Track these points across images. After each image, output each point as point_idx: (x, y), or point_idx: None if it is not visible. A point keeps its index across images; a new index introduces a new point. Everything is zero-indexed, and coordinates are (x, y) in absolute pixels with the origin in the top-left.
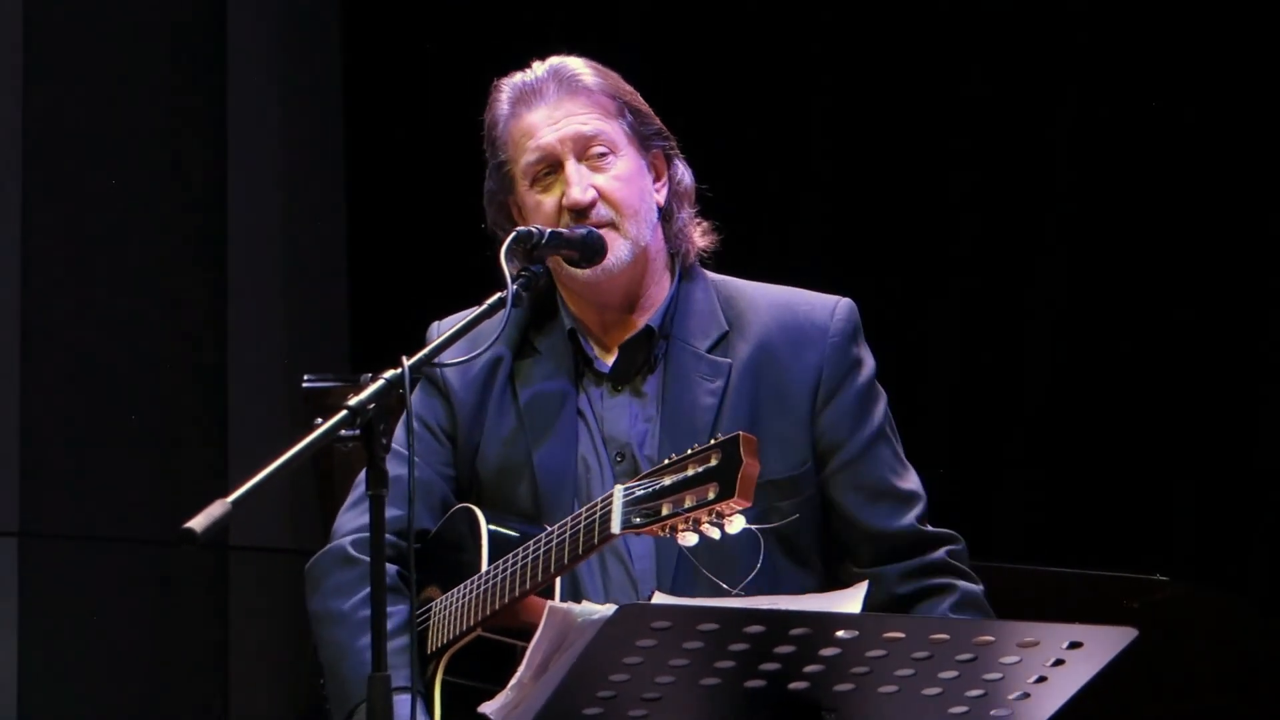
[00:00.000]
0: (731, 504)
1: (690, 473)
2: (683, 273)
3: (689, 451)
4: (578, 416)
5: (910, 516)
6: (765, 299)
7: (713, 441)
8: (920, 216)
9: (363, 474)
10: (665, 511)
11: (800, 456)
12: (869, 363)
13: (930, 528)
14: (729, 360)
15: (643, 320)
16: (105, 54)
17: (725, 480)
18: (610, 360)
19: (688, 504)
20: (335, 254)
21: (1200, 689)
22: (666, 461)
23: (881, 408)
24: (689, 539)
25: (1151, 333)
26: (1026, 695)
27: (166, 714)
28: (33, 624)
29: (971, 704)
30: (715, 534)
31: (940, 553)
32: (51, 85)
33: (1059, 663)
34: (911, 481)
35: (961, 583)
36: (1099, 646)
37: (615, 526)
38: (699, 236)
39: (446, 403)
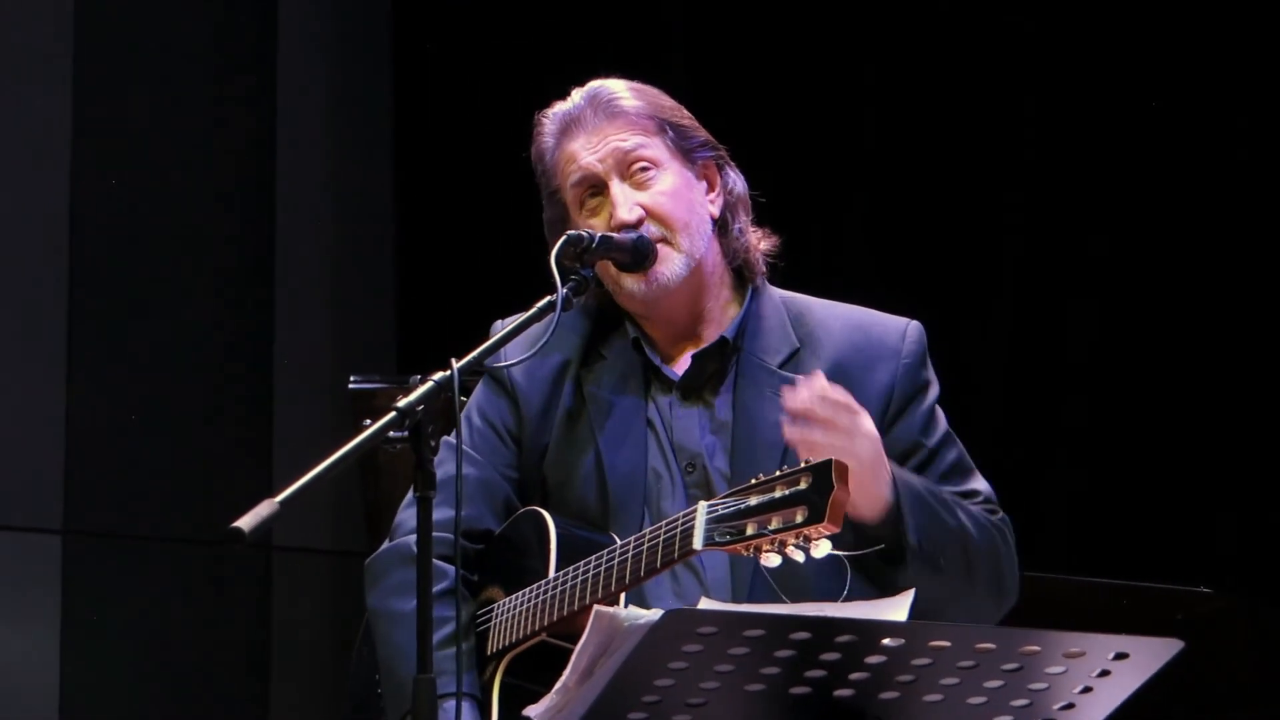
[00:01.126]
0: (820, 529)
1: (778, 494)
2: (752, 288)
3: (777, 473)
4: (647, 425)
5: (978, 497)
6: (836, 318)
7: (803, 464)
8: (963, 229)
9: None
10: (750, 531)
11: None
12: (936, 386)
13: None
14: (801, 377)
15: (708, 333)
16: (154, 56)
17: (815, 505)
18: (678, 369)
19: (774, 525)
20: (383, 255)
21: (1244, 703)
22: (753, 481)
23: (944, 425)
24: (772, 560)
25: (1195, 342)
26: (1071, 706)
27: (207, 714)
28: (75, 622)
29: (1016, 713)
30: (800, 557)
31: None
32: (99, 89)
33: (1105, 673)
34: (979, 481)
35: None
36: (1145, 658)
37: (697, 542)
38: (759, 243)
39: (513, 404)
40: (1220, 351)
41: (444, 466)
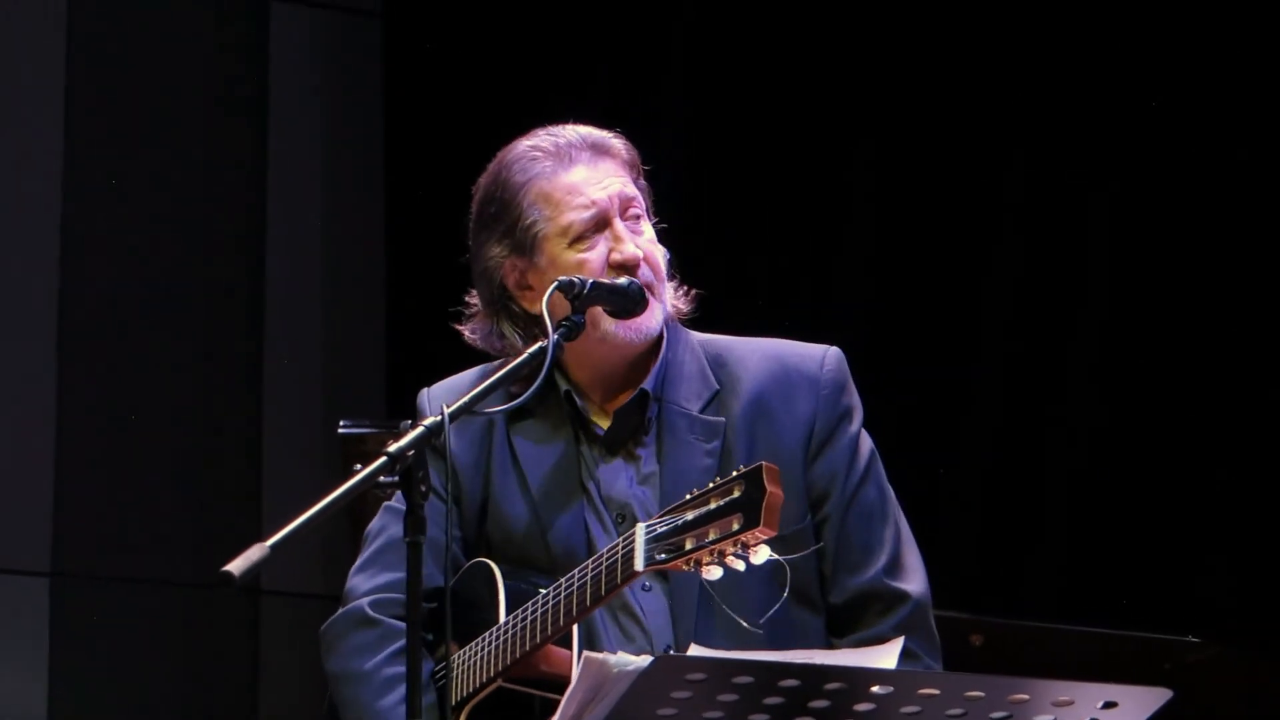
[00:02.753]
0: (756, 534)
1: (713, 505)
2: (669, 337)
3: (710, 485)
4: (579, 478)
5: (876, 569)
6: (754, 354)
7: (735, 474)
8: (958, 275)
9: (369, 529)
10: (689, 546)
11: (800, 509)
12: (858, 411)
13: (893, 582)
14: (722, 419)
15: (635, 381)
16: (146, 87)
17: (750, 510)
18: (605, 424)
19: (711, 536)
20: (373, 299)
21: None
22: (688, 497)
23: (866, 452)
24: (714, 572)
25: (1184, 389)
26: None
27: None
28: (63, 664)
29: None
30: (740, 565)
31: (888, 627)
32: (91, 122)
33: None
34: (889, 528)
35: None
36: (1133, 707)
37: (639, 564)
38: (682, 302)
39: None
40: (1208, 398)
41: (389, 530)
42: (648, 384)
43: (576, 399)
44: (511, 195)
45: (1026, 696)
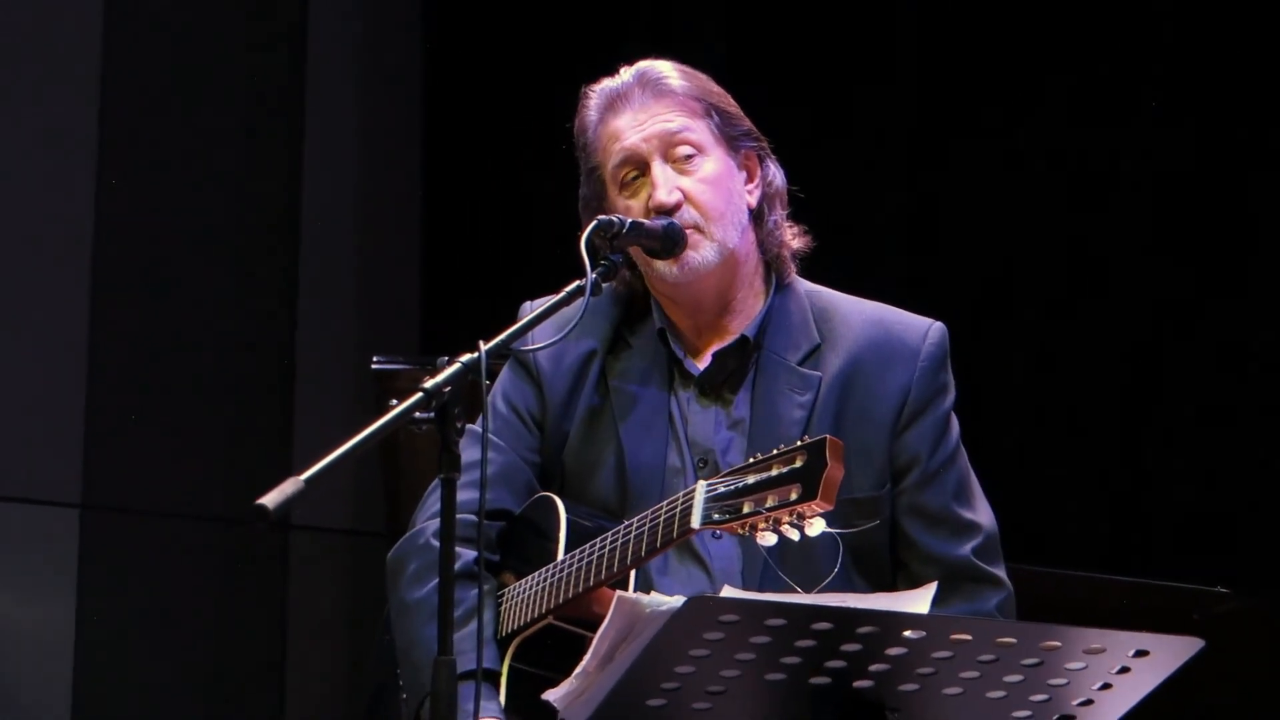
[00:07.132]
0: (813, 506)
1: (774, 472)
2: (778, 284)
3: (774, 451)
4: (668, 419)
5: (966, 548)
6: (860, 314)
7: (800, 443)
8: (990, 233)
9: None
10: (746, 509)
11: (882, 476)
12: (952, 390)
13: (985, 565)
14: (819, 374)
15: (734, 325)
16: (183, 33)
17: (809, 482)
18: (700, 364)
19: (769, 503)
20: (408, 236)
21: (1261, 704)
22: (751, 460)
23: (955, 435)
24: (768, 539)
25: (1216, 342)
26: (1090, 701)
27: (222, 690)
28: (92, 597)
29: (1035, 708)
30: (795, 535)
31: (991, 605)
32: (128, 61)
33: (1124, 670)
34: (975, 513)
35: None
36: (1165, 656)
37: (695, 521)
38: (792, 239)
39: (538, 389)
40: (1241, 356)
41: (466, 452)
42: (749, 330)
43: (670, 338)
44: (580, 139)
45: (1058, 644)
